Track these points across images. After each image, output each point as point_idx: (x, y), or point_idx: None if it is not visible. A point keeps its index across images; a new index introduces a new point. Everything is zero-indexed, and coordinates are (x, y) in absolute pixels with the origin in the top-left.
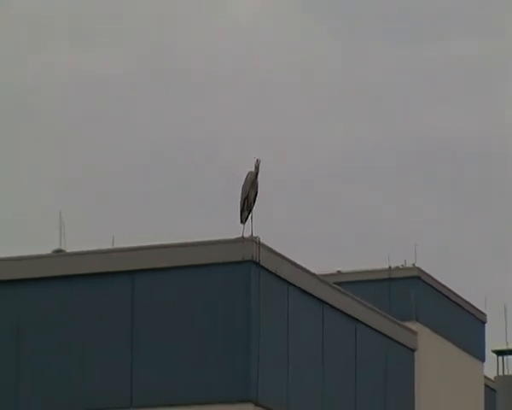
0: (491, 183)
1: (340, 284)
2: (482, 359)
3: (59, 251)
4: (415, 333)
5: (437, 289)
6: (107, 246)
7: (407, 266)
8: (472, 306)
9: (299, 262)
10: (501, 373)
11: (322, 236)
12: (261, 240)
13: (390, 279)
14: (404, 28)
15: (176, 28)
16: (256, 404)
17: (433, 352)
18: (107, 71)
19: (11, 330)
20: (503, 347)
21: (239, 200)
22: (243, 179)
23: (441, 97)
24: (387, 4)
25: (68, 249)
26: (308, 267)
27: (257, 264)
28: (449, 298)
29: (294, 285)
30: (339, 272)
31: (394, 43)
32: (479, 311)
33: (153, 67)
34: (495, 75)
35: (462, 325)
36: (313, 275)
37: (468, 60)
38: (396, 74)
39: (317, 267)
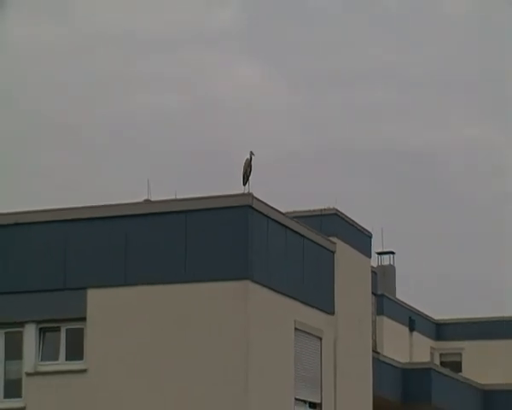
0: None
1: (295, 217)
2: (369, 256)
3: (147, 200)
4: (334, 243)
5: (346, 220)
6: (171, 197)
7: (330, 208)
8: (365, 229)
9: (274, 206)
10: (379, 264)
11: (289, 194)
12: (254, 194)
13: (322, 215)
14: None
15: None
16: (252, 280)
17: (343, 253)
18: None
19: (120, 241)
20: (380, 250)
21: (241, 173)
22: (243, 162)
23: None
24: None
25: (152, 199)
26: (279, 209)
27: (251, 207)
28: (352, 224)
29: (272, 218)
30: (294, 211)
31: None
32: (368, 231)
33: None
34: None
35: (360, 238)
36: (280, 212)
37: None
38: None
39: (284, 209)
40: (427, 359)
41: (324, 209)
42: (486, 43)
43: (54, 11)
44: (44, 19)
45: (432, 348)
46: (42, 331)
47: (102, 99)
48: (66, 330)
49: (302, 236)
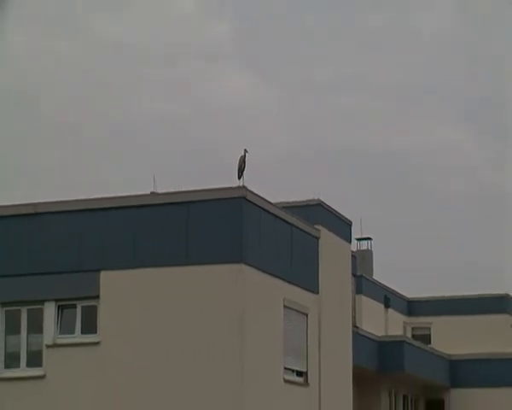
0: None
1: (284, 207)
2: (350, 242)
3: (153, 192)
4: (319, 230)
5: (329, 210)
6: (175, 189)
7: (315, 199)
8: (346, 218)
9: (266, 198)
10: (358, 249)
11: (280, 189)
12: (248, 187)
13: (307, 206)
14: None
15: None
16: (245, 263)
17: (327, 239)
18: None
19: (129, 229)
20: (358, 236)
21: (237, 169)
22: (238, 158)
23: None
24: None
25: (158, 191)
26: (271, 200)
27: (245, 199)
28: (335, 214)
29: (263, 209)
30: (283, 202)
31: None
32: (348, 219)
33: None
34: None
35: (341, 226)
36: (271, 203)
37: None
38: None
39: (274, 200)
40: (400, 332)
41: (310, 200)
42: (486, 43)
43: (54, 14)
44: (45, 22)
45: (404, 322)
46: (60, 308)
47: (102, 99)
48: (82, 307)
49: (290, 224)
